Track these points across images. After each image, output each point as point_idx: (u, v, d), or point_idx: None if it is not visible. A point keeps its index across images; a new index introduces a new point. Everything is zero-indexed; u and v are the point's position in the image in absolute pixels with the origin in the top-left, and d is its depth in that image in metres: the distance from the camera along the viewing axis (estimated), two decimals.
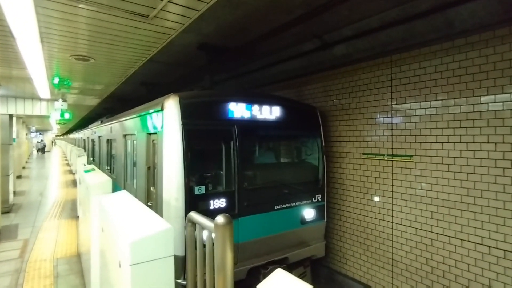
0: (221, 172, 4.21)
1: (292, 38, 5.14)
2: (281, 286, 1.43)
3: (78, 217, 8.17)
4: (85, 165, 8.34)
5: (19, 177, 15.81)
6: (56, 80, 6.55)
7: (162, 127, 4.01)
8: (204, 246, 1.83)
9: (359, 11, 4.09)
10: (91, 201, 3.66)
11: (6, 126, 9.68)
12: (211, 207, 3.99)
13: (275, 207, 4.56)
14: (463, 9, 3.50)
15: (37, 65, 5.22)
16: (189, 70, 7.16)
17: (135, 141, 5.52)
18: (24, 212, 9.20)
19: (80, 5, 2.98)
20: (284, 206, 4.67)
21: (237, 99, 4.40)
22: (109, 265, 2.43)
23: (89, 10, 3.10)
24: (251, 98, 4.58)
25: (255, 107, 4.53)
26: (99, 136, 10.32)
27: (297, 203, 4.83)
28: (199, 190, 3.93)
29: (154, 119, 4.41)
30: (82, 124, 22.88)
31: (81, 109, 13.32)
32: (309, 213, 4.97)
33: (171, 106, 3.93)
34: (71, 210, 9.35)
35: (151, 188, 4.63)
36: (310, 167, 5.37)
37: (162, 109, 4.02)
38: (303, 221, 4.89)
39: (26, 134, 25.08)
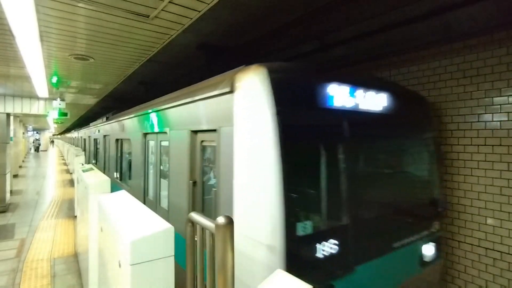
0: (329, 196, 2.60)
1: (292, 39, 5.16)
2: (282, 286, 1.44)
3: (75, 216, 8.14)
4: (83, 164, 8.32)
5: (15, 176, 15.72)
6: (54, 79, 6.54)
7: (230, 121, 2.52)
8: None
9: (358, 13, 4.11)
10: (90, 200, 3.65)
11: (3, 125, 9.63)
12: (320, 255, 2.35)
13: (393, 245, 3.02)
14: (462, 13, 3.53)
15: (36, 64, 5.21)
16: (189, 70, 7.16)
17: (165, 142, 4.03)
18: (21, 211, 9.15)
19: (80, 5, 2.98)
20: (403, 242, 3.14)
21: (350, 81, 2.88)
22: (108, 265, 2.43)
23: (90, 10, 3.10)
24: (362, 80, 3.16)
25: (369, 94, 3.00)
26: (105, 135, 8.57)
27: (416, 237, 3.32)
28: (304, 228, 2.33)
29: (211, 108, 2.86)
30: (80, 123, 22.78)
31: (79, 108, 13.27)
32: (429, 249, 3.49)
33: (254, 85, 2.34)
34: (68, 210, 9.31)
35: None
36: (428, 182, 3.82)
37: (231, 91, 2.51)
38: (423, 262, 3.40)
39: (23, 133, 24.95)
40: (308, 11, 3.97)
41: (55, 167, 22.50)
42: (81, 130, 17.73)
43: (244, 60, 6.31)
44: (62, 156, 33.07)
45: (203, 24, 4.44)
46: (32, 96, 9.62)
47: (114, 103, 11.92)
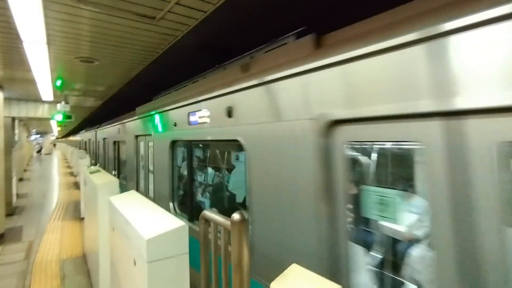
0: None
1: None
2: (297, 281, 1.46)
3: (82, 218, 8.20)
4: (88, 166, 8.37)
5: (21, 179, 15.83)
6: (59, 82, 6.60)
7: None
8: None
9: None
10: (99, 201, 3.69)
11: (8, 129, 9.71)
12: None
13: None
14: None
15: (41, 67, 5.26)
16: (191, 72, 7.20)
17: None
18: (27, 214, 9.22)
19: (87, 7, 3.01)
20: None
21: None
22: (121, 264, 2.46)
23: (96, 12, 3.13)
24: None
25: None
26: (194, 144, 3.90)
27: None
28: None
29: None
30: (84, 125, 22.84)
31: (83, 111, 13.35)
32: None
33: None
34: (74, 212, 9.38)
35: None
36: None
37: None
38: None
39: (27, 137, 25.14)
40: (313, 10, 3.98)
41: (59, 170, 22.63)
42: (101, 129, 10.46)
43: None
44: (65, 159, 33.26)
45: (206, 25, 4.47)
46: (37, 100, 9.70)
47: (118, 106, 12.00)
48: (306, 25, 4.35)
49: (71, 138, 35.96)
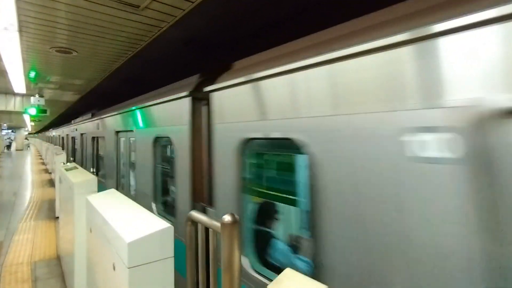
0: None
1: (284, 35, 5.11)
2: (292, 286, 1.38)
3: (56, 218, 7.80)
4: (64, 163, 7.95)
5: None
6: (32, 74, 6.21)
7: None
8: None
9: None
10: (76, 200, 3.47)
11: None
12: None
13: None
14: None
15: (13, 57, 4.91)
16: (176, 66, 6.98)
17: None
18: None
19: None
20: None
21: None
22: (99, 268, 2.30)
23: None
24: None
25: None
26: None
27: None
28: None
29: None
30: (60, 121, 21.84)
31: (59, 105, 12.74)
32: None
33: None
34: (48, 211, 8.91)
35: None
36: None
37: None
38: None
39: None
40: (301, 6, 3.92)
41: (32, 166, 21.57)
42: (88, 122, 7.03)
43: (233, 56, 6.19)
44: (39, 156, 31.78)
45: (193, 17, 4.30)
46: (8, 92, 9.14)
47: (97, 101, 11.52)
48: (293, 21, 4.28)
49: (48, 134, 34.42)
